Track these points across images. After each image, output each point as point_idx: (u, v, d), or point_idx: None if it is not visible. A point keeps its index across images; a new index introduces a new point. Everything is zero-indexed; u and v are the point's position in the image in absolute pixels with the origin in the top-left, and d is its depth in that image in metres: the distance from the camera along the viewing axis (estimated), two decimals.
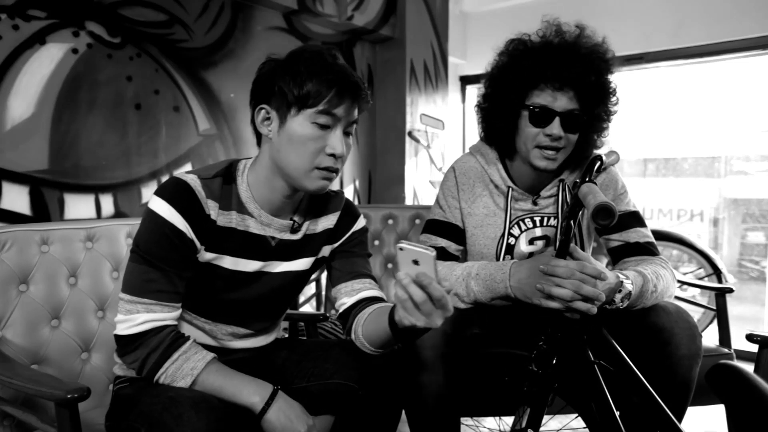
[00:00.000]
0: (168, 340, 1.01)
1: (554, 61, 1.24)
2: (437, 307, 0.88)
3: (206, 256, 1.07)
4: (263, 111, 1.06)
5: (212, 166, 1.11)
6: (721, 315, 1.71)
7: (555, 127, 1.25)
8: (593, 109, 1.27)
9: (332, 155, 1.03)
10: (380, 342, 1.07)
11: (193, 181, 1.04)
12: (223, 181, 1.08)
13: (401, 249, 0.87)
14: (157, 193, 1.03)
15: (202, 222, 1.04)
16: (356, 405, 1.10)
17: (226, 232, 1.08)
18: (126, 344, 1.01)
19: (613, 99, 1.32)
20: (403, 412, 1.19)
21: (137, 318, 1.00)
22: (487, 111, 1.38)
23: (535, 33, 1.32)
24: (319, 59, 1.02)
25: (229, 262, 1.09)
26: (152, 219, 1.01)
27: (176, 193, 1.02)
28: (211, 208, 1.05)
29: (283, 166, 1.05)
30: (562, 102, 1.25)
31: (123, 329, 1.00)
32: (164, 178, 2.34)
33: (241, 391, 1.00)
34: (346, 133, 1.06)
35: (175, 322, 1.05)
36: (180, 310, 1.06)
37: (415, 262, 0.86)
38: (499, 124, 1.36)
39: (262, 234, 1.11)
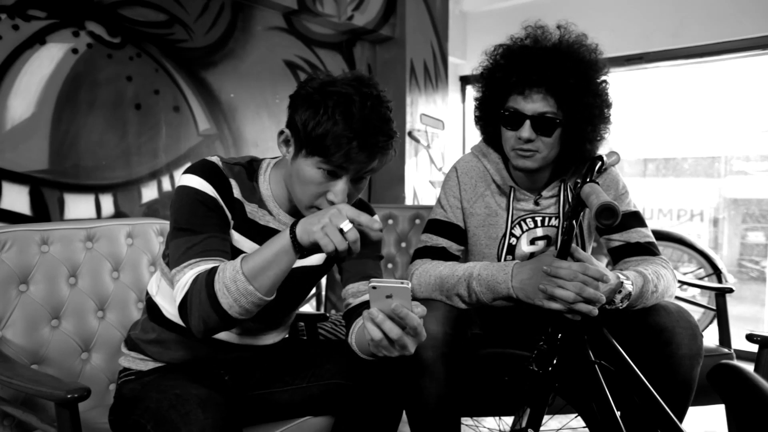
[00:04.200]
0: (203, 276, 0.95)
1: (525, 65, 1.24)
2: (412, 336, 0.88)
3: (234, 235, 1.08)
4: (284, 135, 1.05)
5: (233, 158, 1.13)
6: (721, 315, 1.71)
7: (525, 130, 1.25)
8: (572, 111, 1.24)
9: (331, 202, 1.00)
10: (368, 352, 1.07)
11: (217, 160, 1.08)
12: (246, 174, 1.11)
13: (374, 287, 0.85)
14: (186, 171, 1.05)
15: (229, 196, 1.06)
16: (356, 405, 1.10)
17: (249, 219, 1.10)
18: (183, 311, 0.98)
19: (599, 100, 1.26)
20: (404, 412, 1.19)
21: (183, 280, 0.97)
22: (478, 115, 1.40)
23: (514, 36, 1.32)
24: (345, 105, 0.95)
25: (250, 248, 1.10)
26: (185, 192, 1.02)
27: (205, 168, 1.05)
28: (234, 187, 1.07)
29: (290, 191, 1.07)
30: (533, 105, 1.24)
31: (178, 300, 0.98)
32: (164, 178, 2.34)
33: (272, 243, 0.95)
34: (360, 178, 1.03)
35: None
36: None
37: (388, 297, 0.85)
38: (487, 128, 1.39)
39: (280, 230, 1.12)
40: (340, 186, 1.00)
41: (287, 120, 1.05)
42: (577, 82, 1.22)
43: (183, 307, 0.97)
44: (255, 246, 1.10)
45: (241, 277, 0.92)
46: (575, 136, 1.27)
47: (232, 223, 1.07)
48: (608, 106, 1.29)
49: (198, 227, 1.00)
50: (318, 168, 0.98)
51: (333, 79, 1.00)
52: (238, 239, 1.08)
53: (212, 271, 0.95)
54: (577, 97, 1.23)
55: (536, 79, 1.23)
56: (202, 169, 1.05)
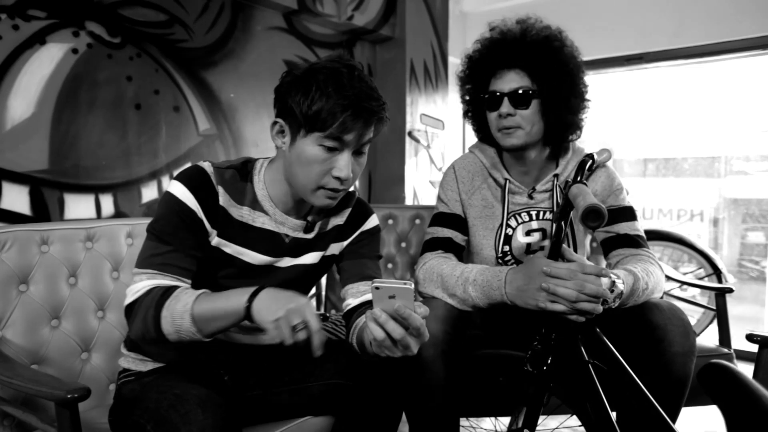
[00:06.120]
0: (158, 293, 0.99)
1: (495, 51, 1.35)
2: (415, 336, 0.88)
3: (217, 241, 1.08)
4: (278, 125, 1.07)
5: (228, 160, 1.14)
6: (721, 315, 1.71)
7: (504, 106, 1.34)
8: (545, 82, 1.32)
9: (338, 178, 1.03)
10: (370, 352, 1.07)
11: (208, 167, 1.08)
12: (239, 176, 1.11)
13: (377, 288, 0.86)
14: (176, 176, 1.06)
15: (213, 206, 1.06)
16: (356, 405, 1.10)
17: (238, 223, 1.09)
18: (128, 315, 1.01)
19: (568, 68, 1.33)
20: (404, 412, 1.19)
21: (137, 286, 1.01)
22: (465, 109, 1.49)
23: (483, 35, 1.41)
24: (334, 78, 0.99)
25: (238, 252, 1.10)
26: (166, 199, 1.05)
27: (192, 175, 1.06)
28: (221, 194, 1.07)
29: (291, 181, 1.08)
30: (508, 83, 1.34)
31: (127, 301, 1.01)
32: (164, 178, 2.34)
33: (229, 299, 0.96)
34: (359, 152, 1.05)
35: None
36: (185, 286, 1.04)
37: (391, 297, 0.86)
38: (476, 120, 1.47)
39: (276, 231, 1.13)
40: (343, 160, 1.02)
41: (277, 111, 1.06)
42: (544, 54, 1.31)
43: (129, 310, 1.01)
44: (244, 250, 1.10)
45: (188, 317, 0.95)
46: (554, 108, 1.33)
47: (214, 232, 1.08)
48: (581, 81, 1.36)
49: (167, 237, 1.03)
50: (319, 145, 1.01)
51: (315, 61, 1.04)
52: (226, 245, 1.09)
53: (166, 293, 0.97)
54: (547, 67, 1.31)
55: (507, 59, 1.34)
56: (189, 177, 1.05)
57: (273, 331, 0.89)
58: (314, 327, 0.89)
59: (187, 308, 0.95)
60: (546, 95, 1.33)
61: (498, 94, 1.34)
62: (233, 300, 0.95)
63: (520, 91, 1.32)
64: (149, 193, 2.30)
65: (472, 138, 1.53)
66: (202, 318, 0.95)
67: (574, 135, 1.40)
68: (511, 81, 1.33)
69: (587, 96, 1.38)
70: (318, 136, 1.00)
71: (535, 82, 1.32)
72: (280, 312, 0.89)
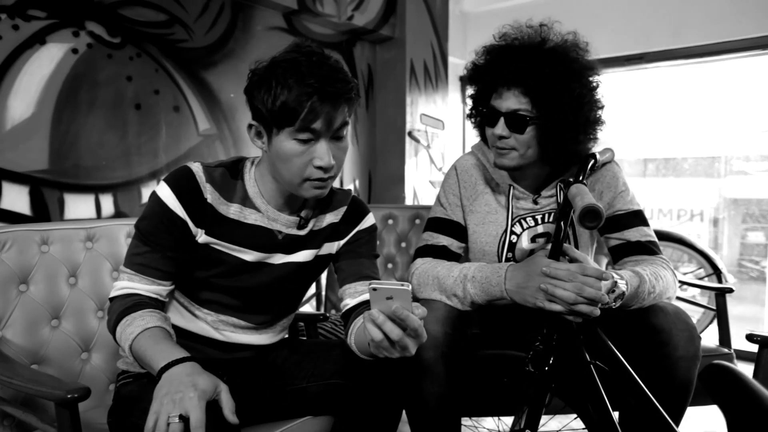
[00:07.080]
0: (127, 303, 1.03)
1: (498, 64, 1.28)
2: (413, 337, 0.88)
3: (205, 238, 1.09)
4: (253, 128, 1.07)
5: (220, 160, 1.14)
6: (721, 315, 1.71)
7: (499, 127, 1.27)
8: (547, 110, 1.23)
9: (320, 167, 1.02)
10: (368, 353, 1.07)
11: (197, 167, 1.08)
12: (230, 174, 1.11)
13: (374, 289, 0.86)
14: (165, 177, 1.08)
15: (199, 206, 1.07)
16: (356, 405, 1.10)
17: (228, 221, 1.09)
18: (107, 309, 1.08)
19: (574, 98, 1.23)
20: (404, 412, 1.19)
21: (118, 284, 1.06)
22: (469, 113, 1.44)
23: (496, 36, 1.35)
24: (293, 69, 0.97)
25: (230, 249, 1.11)
26: (152, 200, 1.07)
27: (178, 177, 1.07)
28: (209, 192, 1.07)
29: (278, 178, 1.08)
30: (506, 102, 1.26)
31: (110, 295, 1.08)
32: None
33: (157, 355, 0.94)
34: (337, 137, 1.04)
35: (150, 294, 1.06)
36: (162, 287, 1.08)
37: (389, 299, 0.86)
38: (476, 125, 1.43)
39: (268, 227, 1.12)
40: (321, 149, 1.01)
41: (251, 113, 1.06)
42: (548, 81, 1.22)
43: (109, 306, 1.07)
44: (234, 247, 1.10)
45: (127, 346, 0.99)
46: (553, 136, 1.25)
47: (201, 231, 1.08)
48: (590, 104, 1.26)
49: (148, 237, 1.06)
50: (293, 139, 1.00)
51: (274, 56, 1.03)
52: (215, 242, 1.09)
53: (130, 309, 1.01)
54: (550, 95, 1.22)
55: (508, 78, 1.25)
56: (174, 179, 1.06)
57: (152, 416, 0.84)
58: (194, 423, 0.83)
59: (129, 338, 0.98)
60: (544, 123, 1.24)
61: (495, 112, 1.28)
62: (158, 358, 0.93)
63: (517, 115, 1.25)
64: (149, 193, 2.30)
65: (472, 138, 1.50)
66: (137, 354, 0.98)
67: (572, 160, 1.31)
68: (509, 102, 1.25)
69: (600, 117, 1.28)
70: (290, 131, 1.00)
71: (535, 107, 1.24)
72: (159, 401, 0.85)
